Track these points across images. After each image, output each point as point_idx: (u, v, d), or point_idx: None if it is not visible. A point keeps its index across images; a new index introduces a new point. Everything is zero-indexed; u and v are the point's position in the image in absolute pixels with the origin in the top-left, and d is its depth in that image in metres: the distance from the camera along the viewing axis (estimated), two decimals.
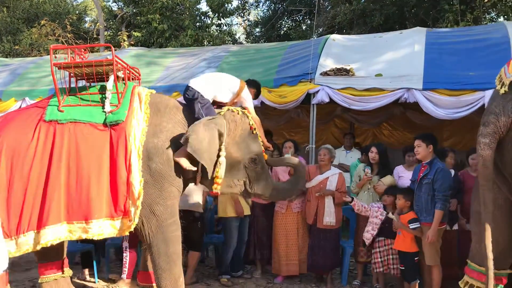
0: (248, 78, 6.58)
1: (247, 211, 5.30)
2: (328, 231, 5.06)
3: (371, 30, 11.14)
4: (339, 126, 9.25)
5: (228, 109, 4.02)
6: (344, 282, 5.21)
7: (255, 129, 4.05)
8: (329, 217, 5.00)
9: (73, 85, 4.00)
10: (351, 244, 5.30)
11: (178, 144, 3.75)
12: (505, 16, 12.34)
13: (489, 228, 3.12)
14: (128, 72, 4.07)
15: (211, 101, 4.11)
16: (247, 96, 4.33)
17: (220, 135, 3.78)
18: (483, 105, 5.44)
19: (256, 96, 4.76)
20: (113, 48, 4.01)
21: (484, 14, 11.64)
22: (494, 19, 12.52)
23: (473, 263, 3.57)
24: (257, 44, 12.93)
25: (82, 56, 3.97)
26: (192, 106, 3.98)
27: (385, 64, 6.23)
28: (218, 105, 4.23)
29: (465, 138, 7.93)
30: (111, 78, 3.85)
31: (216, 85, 4.20)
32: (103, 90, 3.90)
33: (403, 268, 4.61)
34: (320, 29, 13.89)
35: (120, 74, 3.93)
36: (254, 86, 4.69)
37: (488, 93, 5.39)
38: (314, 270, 5.23)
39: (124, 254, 5.02)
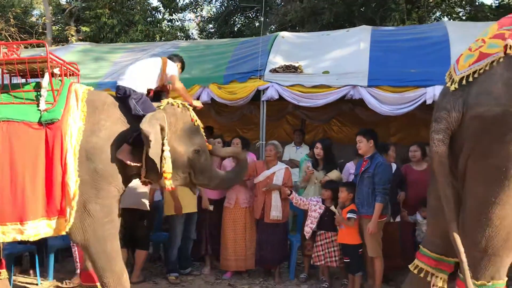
0: (197, 75, 6.66)
1: (193, 208, 5.27)
2: (276, 226, 5.12)
3: (321, 28, 11.29)
4: (290, 123, 9.33)
5: (168, 103, 3.99)
6: (291, 276, 5.29)
7: (196, 120, 4.06)
8: (276, 211, 5.05)
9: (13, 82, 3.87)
10: (299, 238, 5.38)
11: (118, 142, 3.71)
12: (449, 16, 12.85)
13: (455, 225, 3.17)
14: (65, 68, 3.96)
15: (145, 93, 4.08)
16: (170, 68, 4.33)
17: (162, 129, 3.76)
18: (425, 101, 5.66)
19: (182, 68, 4.73)
20: (47, 44, 3.91)
21: (429, 13, 12.05)
22: (438, 19, 12.98)
23: (425, 248, 3.69)
24: (207, 40, 12.88)
25: (14, 53, 3.81)
26: (127, 104, 3.94)
27: (332, 61, 6.35)
28: (156, 91, 4.22)
29: (410, 133, 8.17)
30: (46, 75, 3.73)
31: (142, 74, 4.18)
32: (38, 87, 3.78)
33: (348, 260, 4.72)
34: (273, 27, 13.99)
35: (57, 71, 3.82)
36: (179, 59, 4.67)
37: (429, 90, 5.61)
38: (262, 264, 5.29)
39: (73, 250, 4.92)
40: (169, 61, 4.37)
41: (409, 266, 3.87)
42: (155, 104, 4.00)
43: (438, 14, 13.46)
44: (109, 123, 3.78)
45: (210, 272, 5.47)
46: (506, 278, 3.18)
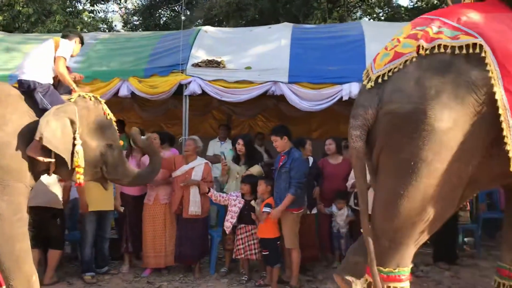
0: (117, 67, 6.46)
1: (107, 206, 5.12)
2: (195, 221, 5.08)
3: (247, 24, 11.38)
4: (216, 118, 9.31)
5: (79, 95, 3.85)
6: (212, 270, 5.29)
7: (109, 114, 3.96)
8: (194, 207, 5.02)
9: None
10: (220, 233, 5.40)
11: (27, 136, 3.52)
12: (369, 17, 13.41)
13: (367, 216, 3.33)
14: None
15: (51, 83, 3.90)
16: (61, 48, 4.06)
17: (72, 123, 3.63)
18: (341, 98, 5.88)
19: (82, 43, 4.48)
20: None
21: (350, 13, 12.50)
22: (360, 19, 13.49)
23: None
24: (129, 33, 12.52)
25: None
26: (34, 97, 3.75)
27: (254, 57, 6.41)
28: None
29: (331, 128, 8.45)
30: None
31: (41, 63, 3.98)
32: None
33: (266, 253, 4.80)
34: (199, 21, 13.88)
35: None
36: (75, 34, 4.43)
37: (346, 87, 5.83)
38: (182, 260, 5.24)
39: None
40: (62, 41, 4.12)
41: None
42: (66, 97, 3.84)
43: (359, 14, 14.02)
44: (15, 116, 3.59)
45: (129, 271, 5.33)
46: (411, 265, 3.37)
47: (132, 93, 6.38)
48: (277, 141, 4.75)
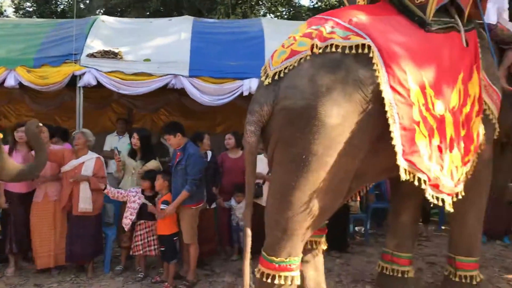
0: (3, 56, 5.97)
1: None
2: (87, 218, 4.84)
3: (150, 15, 11.10)
4: (116, 111, 8.97)
5: None
6: (106, 269, 5.09)
7: None
8: (85, 203, 4.77)
9: None
10: (114, 231, 5.22)
11: None
12: (272, 15, 13.71)
13: (251, 208, 3.43)
14: None
15: None
16: None
17: None
18: (242, 93, 5.95)
19: None
20: None
21: (253, 10, 12.69)
22: (263, 15, 13.73)
23: None
24: (18, 19, 11.65)
25: None
26: None
27: (154, 49, 6.29)
28: None
29: (235, 123, 8.50)
30: None
31: None
32: None
33: (163, 249, 4.72)
34: (100, 11, 13.28)
35: None
36: None
37: (246, 82, 5.92)
38: (73, 260, 4.97)
39: None
40: None
41: None
42: None
43: (263, 12, 14.27)
44: None
45: (14, 274, 4.96)
46: (302, 255, 3.50)
47: (21, 84, 5.97)
48: (170, 139, 4.68)
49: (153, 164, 5.13)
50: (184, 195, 4.51)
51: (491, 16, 4.21)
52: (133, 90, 6.06)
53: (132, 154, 5.25)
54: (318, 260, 4.01)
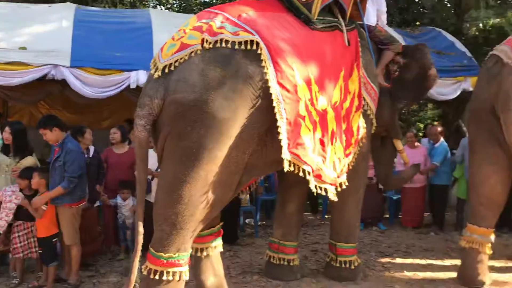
0: None
1: None
2: None
3: (27, 0, 10.21)
4: None
5: None
6: None
7: None
8: None
9: None
10: None
11: None
12: (162, 6, 13.40)
13: (143, 205, 3.33)
14: None
15: None
16: None
17: None
18: (129, 85, 5.75)
19: None
20: None
21: (142, 1, 12.33)
22: (153, 7, 13.35)
23: None
24: None
25: None
26: None
27: (30, 37, 5.85)
28: None
29: (124, 116, 8.20)
30: None
31: None
32: None
33: (41, 252, 4.41)
34: None
35: None
36: None
37: (133, 74, 5.74)
38: None
39: None
40: None
41: None
42: None
43: (153, 4, 13.89)
44: None
45: None
46: (190, 250, 3.48)
47: None
48: (46, 133, 4.31)
49: (29, 161, 4.72)
50: (58, 190, 4.22)
51: (370, 17, 4.54)
52: (6, 81, 5.57)
53: (5, 150, 4.78)
54: (216, 266, 4.04)
